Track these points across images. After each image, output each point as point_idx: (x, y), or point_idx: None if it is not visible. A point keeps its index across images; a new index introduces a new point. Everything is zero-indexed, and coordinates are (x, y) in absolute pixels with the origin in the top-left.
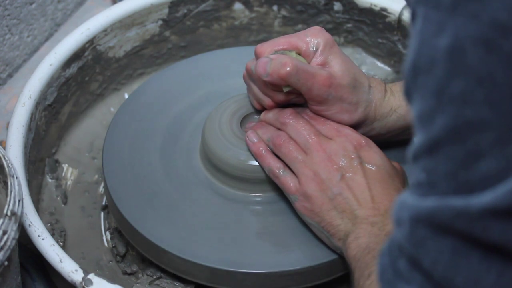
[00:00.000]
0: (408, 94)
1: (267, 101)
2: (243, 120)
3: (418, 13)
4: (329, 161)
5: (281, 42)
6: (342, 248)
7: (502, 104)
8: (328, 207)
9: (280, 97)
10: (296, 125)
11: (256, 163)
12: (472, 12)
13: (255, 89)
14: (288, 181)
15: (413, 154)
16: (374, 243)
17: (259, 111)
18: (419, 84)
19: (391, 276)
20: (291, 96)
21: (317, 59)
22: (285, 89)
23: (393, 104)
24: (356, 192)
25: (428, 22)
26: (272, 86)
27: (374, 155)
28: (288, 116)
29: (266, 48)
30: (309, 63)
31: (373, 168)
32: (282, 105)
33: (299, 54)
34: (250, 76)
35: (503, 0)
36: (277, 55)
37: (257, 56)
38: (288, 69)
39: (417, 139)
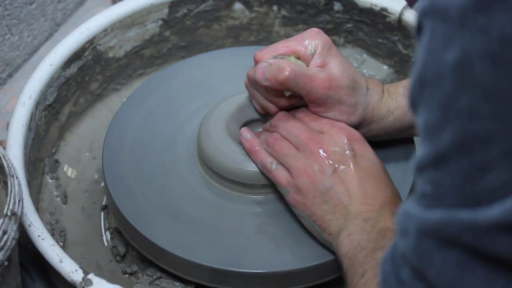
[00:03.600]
0: (414, 105)
1: (271, 107)
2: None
3: (425, 26)
4: (321, 153)
5: (279, 47)
6: (333, 244)
7: (509, 118)
8: (320, 201)
9: (282, 101)
10: (287, 124)
11: (254, 168)
12: (480, 27)
13: (258, 96)
14: (280, 174)
15: (417, 165)
16: (366, 241)
17: (261, 115)
18: (426, 96)
19: (394, 284)
20: (294, 100)
21: (316, 61)
22: (287, 93)
23: (390, 105)
24: (348, 186)
25: (435, 36)
26: (273, 91)
27: (367, 149)
28: (279, 118)
29: (264, 54)
30: (308, 65)
31: (366, 162)
32: (286, 110)
33: (298, 58)
34: (252, 84)
35: (511, 15)
36: (275, 60)
37: (256, 63)
38: (286, 73)
39: (422, 150)
